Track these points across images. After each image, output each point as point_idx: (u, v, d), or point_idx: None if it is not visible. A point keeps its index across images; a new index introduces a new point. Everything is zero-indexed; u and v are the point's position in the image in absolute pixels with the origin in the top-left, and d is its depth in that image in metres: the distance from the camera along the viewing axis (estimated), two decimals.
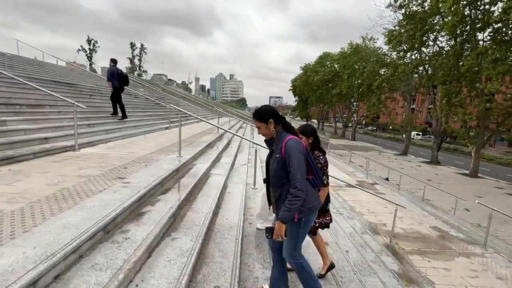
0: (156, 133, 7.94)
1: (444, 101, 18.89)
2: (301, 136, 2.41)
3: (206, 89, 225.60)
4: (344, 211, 5.78)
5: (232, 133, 7.39)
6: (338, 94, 34.36)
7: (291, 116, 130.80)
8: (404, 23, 18.97)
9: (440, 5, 15.24)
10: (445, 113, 19.25)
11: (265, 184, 2.07)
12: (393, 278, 2.94)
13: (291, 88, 61.14)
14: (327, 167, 2.51)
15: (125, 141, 6.01)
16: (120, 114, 7.62)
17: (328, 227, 2.78)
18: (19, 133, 4.27)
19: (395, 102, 38.06)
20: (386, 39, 22.04)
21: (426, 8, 18.07)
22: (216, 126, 6.85)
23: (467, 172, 18.85)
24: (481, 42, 16.14)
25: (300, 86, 49.30)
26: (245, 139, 6.94)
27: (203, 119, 6.83)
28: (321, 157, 2.45)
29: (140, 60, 54.76)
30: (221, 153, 6.41)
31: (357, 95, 33.37)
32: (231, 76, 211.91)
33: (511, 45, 13.79)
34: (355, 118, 38.92)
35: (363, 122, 58.94)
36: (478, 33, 15.63)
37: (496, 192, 14.72)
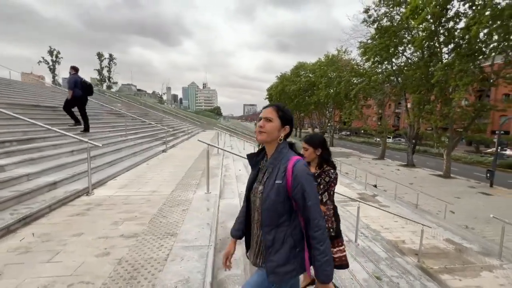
0: (157, 159, 7.44)
1: (416, 109, 20.38)
2: (307, 147, 2.08)
3: (179, 99, 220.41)
4: (365, 231, 5.81)
5: (240, 156, 7.14)
6: (315, 102, 35.55)
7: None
8: (376, 36, 20.29)
9: (411, 22, 16.57)
10: (417, 119, 20.75)
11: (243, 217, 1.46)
12: None
13: (267, 96, 62.15)
14: (335, 185, 2.11)
15: (131, 173, 5.51)
16: (77, 124, 6.90)
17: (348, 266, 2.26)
18: (22, 179, 3.67)
19: (365, 108, 40.28)
20: (360, 50, 23.42)
21: (395, 24, 19.54)
22: (236, 155, 6.58)
23: (440, 173, 20.36)
24: (446, 55, 17.81)
25: (276, 94, 50.29)
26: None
27: (231, 151, 6.53)
28: (331, 171, 2.08)
29: (109, 71, 51.96)
30: (237, 180, 6.15)
31: (333, 103, 34.80)
32: (204, 85, 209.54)
33: (473, 58, 15.36)
34: (332, 125, 40.49)
35: (337, 128, 61.58)
36: (443, 47, 17.23)
37: (470, 191, 16.03)
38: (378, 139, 47.51)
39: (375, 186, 15.14)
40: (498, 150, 18.46)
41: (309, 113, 44.50)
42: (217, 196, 4.16)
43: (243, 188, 5.47)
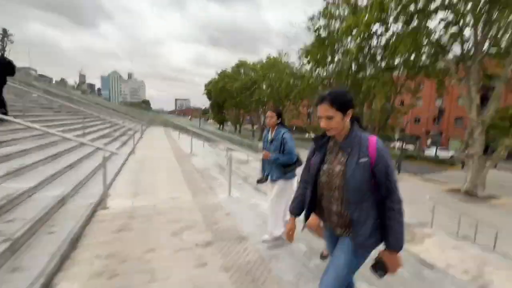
0: (133, 162, 6.80)
1: None
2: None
3: (96, 89, 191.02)
4: None
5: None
6: (257, 100, 37.07)
7: (202, 119, 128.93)
8: (316, 44, 22.74)
9: (344, 36, 19.35)
10: None
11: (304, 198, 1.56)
12: (423, 265, 4.09)
13: (205, 92, 60.88)
14: None
15: (124, 180, 5.02)
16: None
17: None
18: (23, 196, 3.04)
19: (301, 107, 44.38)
20: (302, 52, 25.80)
21: (332, 35, 22.32)
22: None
23: None
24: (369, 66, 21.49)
25: (216, 91, 49.87)
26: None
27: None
28: None
29: (3, 50, 40.93)
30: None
31: (274, 102, 37.08)
32: (130, 75, 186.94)
33: (391, 71, 19.11)
34: None
35: None
36: (368, 62, 20.80)
37: None
38: (308, 135, 53.11)
39: None
40: (404, 145, 23.54)
41: (250, 110, 45.96)
42: (241, 197, 4.34)
43: (243, 187, 5.71)
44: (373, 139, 1.31)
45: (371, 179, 1.30)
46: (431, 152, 30.59)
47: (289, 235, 1.63)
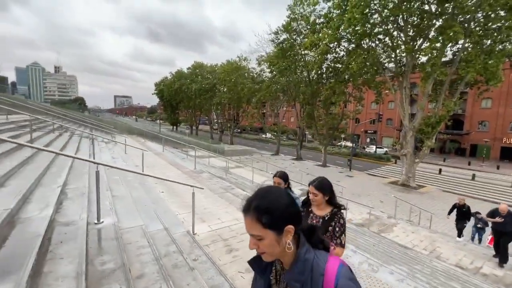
0: (156, 185, 7.20)
1: (306, 117, 26.69)
2: (317, 193, 2.08)
3: (9, 83, 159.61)
4: None
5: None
6: (218, 103, 37.70)
7: (149, 119, 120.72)
8: (280, 55, 24.75)
9: (304, 50, 21.78)
10: (306, 124, 27.26)
11: None
12: (402, 247, 6.04)
13: (156, 92, 58.09)
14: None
15: (176, 206, 5.64)
16: None
17: None
18: (135, 230, 3.67)
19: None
20: (261, 61, 27.51)
21: (294, 49, 24.57)
22: None
23: (320, 163, 27.74)
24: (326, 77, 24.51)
25: (171, 91, 48.41)
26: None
27: None
28: (342, 212, 2.11)
29: None
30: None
31: (235, 106, 38.25)
32: (58, 68, 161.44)
33: (345, 84, 22.26)
34: (232, 125, 43.88)
35: (229, 126, 66.39)
36: (325, 75, 23.76)
37: (341, 175, 23.24)
38: (264, 136, 55.77)
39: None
40: (353, 145, 27.51)
41: (208, 112, 46.18)
42: None
43: None
44: (331, 272, 0.85)
45: None
46: (371, 149, 36.05)
47: None
